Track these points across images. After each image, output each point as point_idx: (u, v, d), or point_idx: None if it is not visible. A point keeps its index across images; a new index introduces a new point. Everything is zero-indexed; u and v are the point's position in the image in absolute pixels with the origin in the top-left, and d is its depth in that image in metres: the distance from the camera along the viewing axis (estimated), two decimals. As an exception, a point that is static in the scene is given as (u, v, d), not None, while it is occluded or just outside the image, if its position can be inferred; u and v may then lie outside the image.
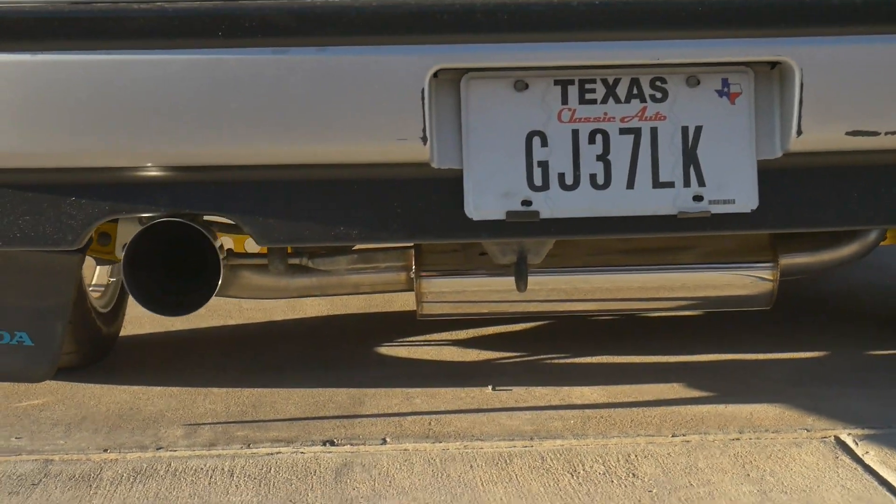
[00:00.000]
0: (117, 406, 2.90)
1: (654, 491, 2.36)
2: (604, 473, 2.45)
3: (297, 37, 2.28)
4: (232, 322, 3.58)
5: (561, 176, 2.40)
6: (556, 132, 2.40)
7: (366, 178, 2.39)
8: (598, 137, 2.40)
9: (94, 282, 3.36)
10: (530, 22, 2.31)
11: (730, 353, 3.21)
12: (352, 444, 2.63)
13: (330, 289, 2.94)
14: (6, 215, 2.40)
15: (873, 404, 2.80)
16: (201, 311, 2.61)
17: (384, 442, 2.64)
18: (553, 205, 2.40)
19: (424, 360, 3.21)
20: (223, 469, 2.51)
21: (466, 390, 2.95)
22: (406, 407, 2.85)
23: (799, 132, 2.37)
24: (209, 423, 2.77)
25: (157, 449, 2.62)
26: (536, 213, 2.39)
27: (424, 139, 2.33)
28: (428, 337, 3.40)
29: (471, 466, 2.50)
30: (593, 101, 2.40)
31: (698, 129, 2.41)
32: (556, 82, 2.39)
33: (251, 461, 2.54)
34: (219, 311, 3.72)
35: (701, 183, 2.41)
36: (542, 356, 3.20)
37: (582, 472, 2.46)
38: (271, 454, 2.58)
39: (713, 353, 3.20)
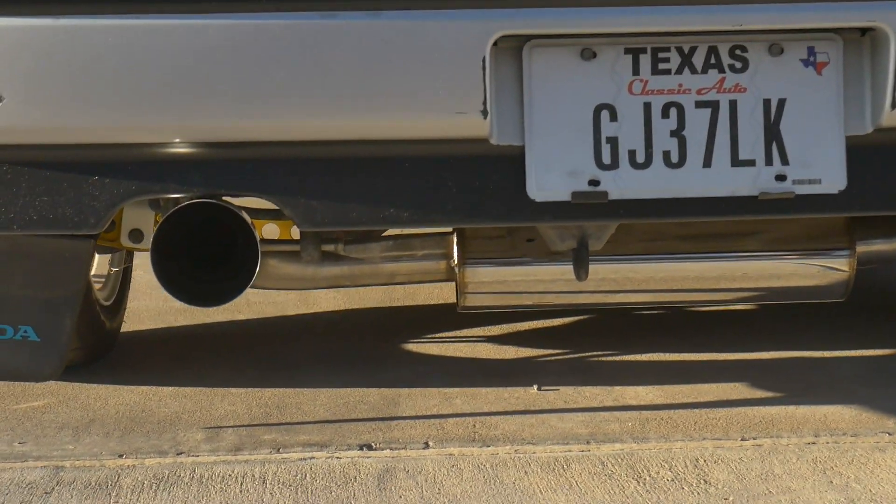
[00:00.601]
0: (127, 408, 2.90)
1: (731, 499, 2.38)
2: (672, 480, 2.46)
3: (347, 0, 2.28)
4: (241, 317, 3.59)
5: (631, 153, 2.41)
6: (626, 105, 2.41)
7: (419, 156, 2.39)
8: (673, 111, 2.41)
9: (93, 272, 3.36)
10: (599, -16, 2.32)
11: (795, 350, 3.23)
12: (391, 449, 2.64)
13: (362, 279, 2.95)
14: (22, 196, 2.38)
15: (958, 405, 2.82)
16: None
17: (427, 446, 2.65)
18: (623, 185, 2.41)
19: (459, 357, 3.22)
20: (254, 475, 2.51)
21: (509, 390, 2.97)
22: (446, 408, 2.86)
23: (893, 105, 2.38)
24: (231, 427, 2.78)
25: (178, 454, 2.63)
26: (605, 193, 2.40)
27: (485, 112, 2.33)
28: (459, 333, 3.41)
29: (525, 472, 2.51)
30: (667, 72, 2.40)
31: (781, 103, 2.42)
32: (627, 51, 2.40)
33: (283, 467, 2.55)
34: (225, 306, 3.72)
35: (784, 161, 2.42)
36: (586, 353, 3.21)
37: (648, 478, 2.48)
38: (304, 459, 2.59)
39: (777, 351, 3.23)
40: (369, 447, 2.65)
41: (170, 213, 2.46)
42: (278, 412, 2.86)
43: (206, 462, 2.59)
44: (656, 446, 2.63)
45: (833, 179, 2.43)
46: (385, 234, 2.97)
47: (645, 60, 2.40)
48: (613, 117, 2.40)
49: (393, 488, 2.45)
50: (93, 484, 2.49)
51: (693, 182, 2.42)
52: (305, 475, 2.51)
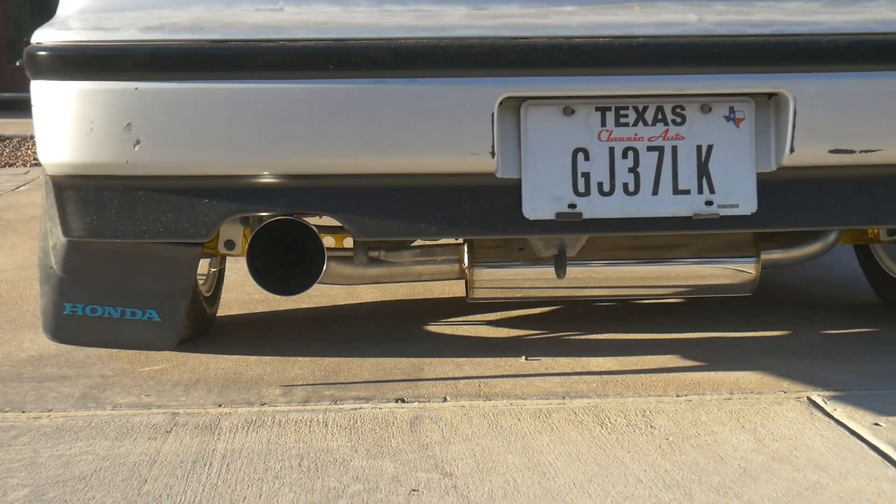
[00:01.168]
0: (223, 371, 2.90)
1: (670, 439, 2.39)
2: (626, 425, 2.47)
3: (393, 69, 2.29)
4: (304, 306, 3.59)
5: (600, 184, 2.41)
6: (596, 149, 2.41)
7: (443, 185, 2.39)
8: (630, 153, 2.41)
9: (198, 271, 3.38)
10: (576, 61, 2.32)
11: (715, 331, 3.23)
12: (419, 402, 2.64)
13: (397, 277, 2.95)
14: (152, 214, 2.40)
15: (834, 372, 2.82)
16: (277, 297, 2.62)
17: (445, 400, 2.66)
18: (593, 208, 2.41)
19: (467, 336, 3.22)
20: (318, 421, 2.52)
21: (505, 360, 2.97)
22: (458, 372, 2.86)
23: (791, 150, 2.39)
24: (300, 385, 2.78)
25: (262, 405, 2.64)
26: (580, 214, 2.41)
27: (493, 153, 2.34)
28: (467, 318, 3.41)
29: (518, 419, 2.52)
30: (626, 124, 2.41)
31: (710, 147, 2.42)
32: (597, 109, 2.40)
33: (339, 415, 2.56)
34: (290, 299, 3.73)
35: (711, 191, 2.42)
36: (561, 333, 3.21)
37: (608, 424, 2.48)
38: (355, 409, 2.60)
39: (701, 332, 3.22)
40: (402, 400, 2.66)
41: (260, 227, 2.47)
42: (335, 375, 2.86)
43: (283, 410, 2.60)
44: (614, 401, 2.63)
45: (747, 204, 2.44)
46: (414, 244, 2.99)
47: (610, 116, 2.41)
48: (587, 158, 2.41)
49: (420, 430, 2.46)
50: (200, 426, 2.51)
51: (644, 206, 2.42)
52: (356, 420, 2.52)
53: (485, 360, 2.97)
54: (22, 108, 10.92)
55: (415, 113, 2.31)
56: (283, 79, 2.28)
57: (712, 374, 2.82)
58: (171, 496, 2.15)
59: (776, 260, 2.94)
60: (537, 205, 2.41)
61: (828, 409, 2.55)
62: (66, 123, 2.33)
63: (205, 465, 2.28)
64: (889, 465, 2.25)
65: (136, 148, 2.32)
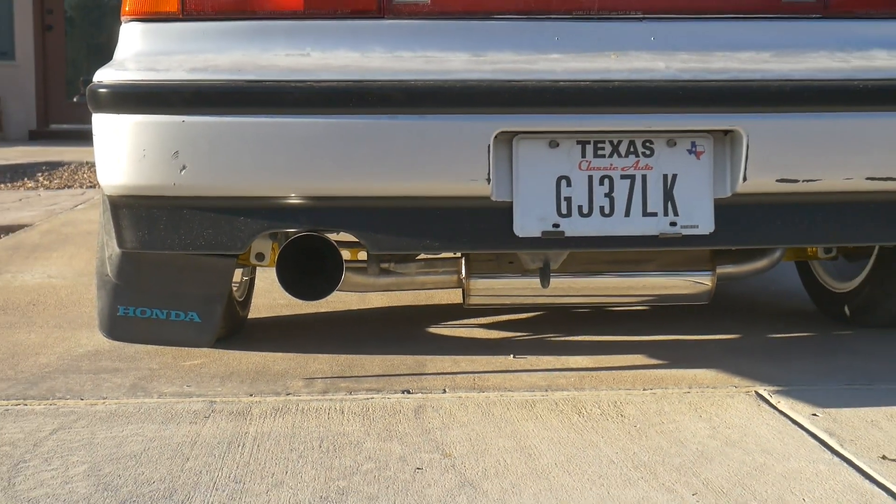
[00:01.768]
0: (253, 365, 2.90)
1: (638, 426, 2.39)
2: (600, 414, 2.48)
3: (404, 107, 2.30)
4: (323, 310, 3.58)
5: (580, 207, 2.42)
6: (577, 177, 2.42)
7: (445, 207, 2.40)
8: (606, 181, 2.42)
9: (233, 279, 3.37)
10: (561, 101, 2.34)
11: (676, 334, 3.23)
12: (422, 393, 2.64)
13: (404, 286, 2.95)
14: (195, 229, 2.41)
15: (778, 370, 2.82)
16: (301, 302, 2.61)
17: (444, 391, 2.66)
18: (574, 227, 2.42)
19: (463, 337, 3.22)
20: (335, 409, 2.52)
21: (496, 357, 2.96)
22: (455, 368, 2.86)
23: (744, 179, 2.40)
24: (320, 378, 2.78)
25: (287, 395, 2.64)
26: (563, 232, 2.41)
27: (488, 180, 2.35)
28: (463, 322, 3.41)
29: (507, 408, 2.52)
30: (603, 156, 2.41)
31: (674, 176, 2.43)
32: (578, 142, 2.41)
33: (354, 404, 2.56)
34: (311, 304, 3.73)
35: (675, 213, 2.43)
36: (545, 335, 3.21)
37: (585, 412, 2.49)
38: (367, 399, 2.60)
39: (665, 335, 3.22)
40: (408, 392, 2.66)
41: (288, 241, 2.47)
42: (349, 369, 2.86)
43: (305, 399, 2.60)
44: (590, 393, 2.63)
45: (706, 226, 2.44)
46: (418, 257, 2.99)
47: (589, 148, 2.41)
48: (569, 184, 2.42)
49: (423, 417, 2.46)
50: (234, 412, 2.51)
51: (618, 226, 2.42)
52: (368, 409, 2.52)
53: (479, 357, 2.96)
54: (79, 137, 10.93)
55: (422, 144, 2.32)
56: (308, 114, 2.29)
57: (674, 370, 2.82)
58: (210, 472, 2.15)
59: (729, 273, 2.95)
60: (526, 224, 2.41)
61: (772, 401, 2.56)
62: (123, 151, 2.34)
63: (238, 446, 2.28)
64: (825, 449, 2.25)
65: (183, 172, 2.33)
